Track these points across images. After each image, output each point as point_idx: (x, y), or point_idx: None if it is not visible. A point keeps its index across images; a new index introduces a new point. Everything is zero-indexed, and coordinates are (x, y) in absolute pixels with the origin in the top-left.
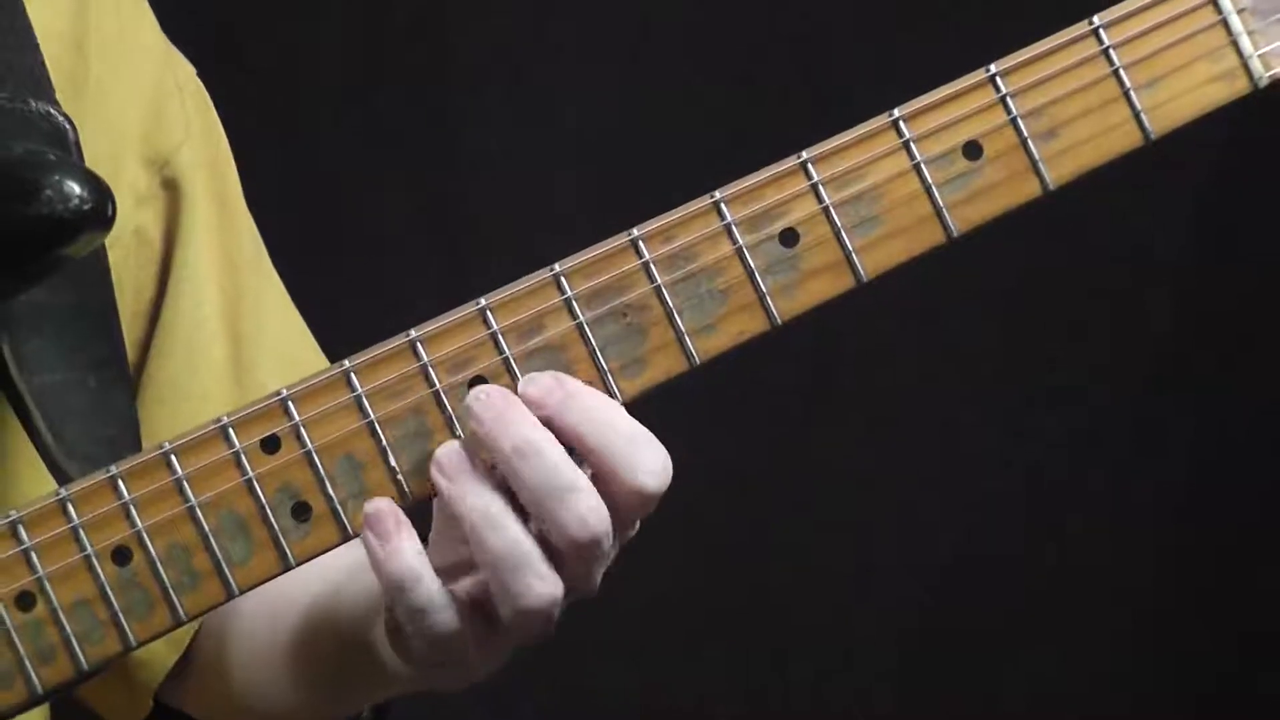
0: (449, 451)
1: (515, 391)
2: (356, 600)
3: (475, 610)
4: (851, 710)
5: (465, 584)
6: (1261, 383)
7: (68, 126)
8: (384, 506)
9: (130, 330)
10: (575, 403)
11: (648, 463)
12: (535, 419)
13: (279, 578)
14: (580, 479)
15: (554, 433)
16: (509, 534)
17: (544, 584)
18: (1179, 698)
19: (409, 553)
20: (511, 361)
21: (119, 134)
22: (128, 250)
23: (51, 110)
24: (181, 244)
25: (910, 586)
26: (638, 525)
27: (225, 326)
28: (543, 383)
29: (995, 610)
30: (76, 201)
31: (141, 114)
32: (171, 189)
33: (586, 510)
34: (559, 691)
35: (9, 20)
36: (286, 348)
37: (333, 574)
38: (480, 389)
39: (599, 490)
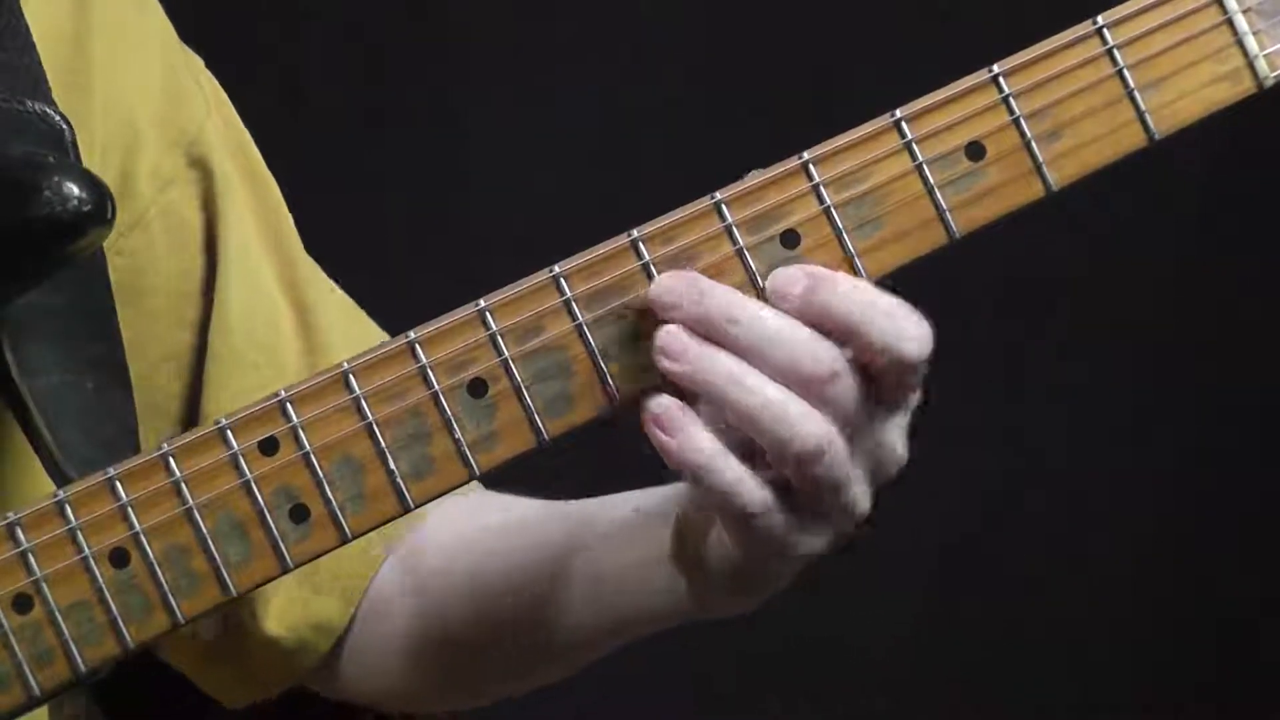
0: (668, 333)
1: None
2: (610, 530)
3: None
4: (851, 711)
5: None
6: (1262, 380)
7: (65, 126)
8: (666, 401)
9: (180, 311)
10: (826, 286)
11: (909, 330)
12: (727, 290)
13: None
14: (795, 325)
15: (812, 319)
16: (755, 386)
17: (812, 422)
18: (1180, 692)
19: (704, 437)
20: (510, 363)
21: (133, 120)
22: (157, 234)
23: (48, 110)
24: (223, 218)
25: (908, 584)
26: (913, 401)
27: (287, 296)
28: (790, 274)
29: (995, 609)
30: (75, 203)
31: (157, 98)
32: (200, 166)
33: (806, 351)
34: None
35: (4, 21)
36: (347, 317)
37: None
38: (658, 281)
39: (857, 360)
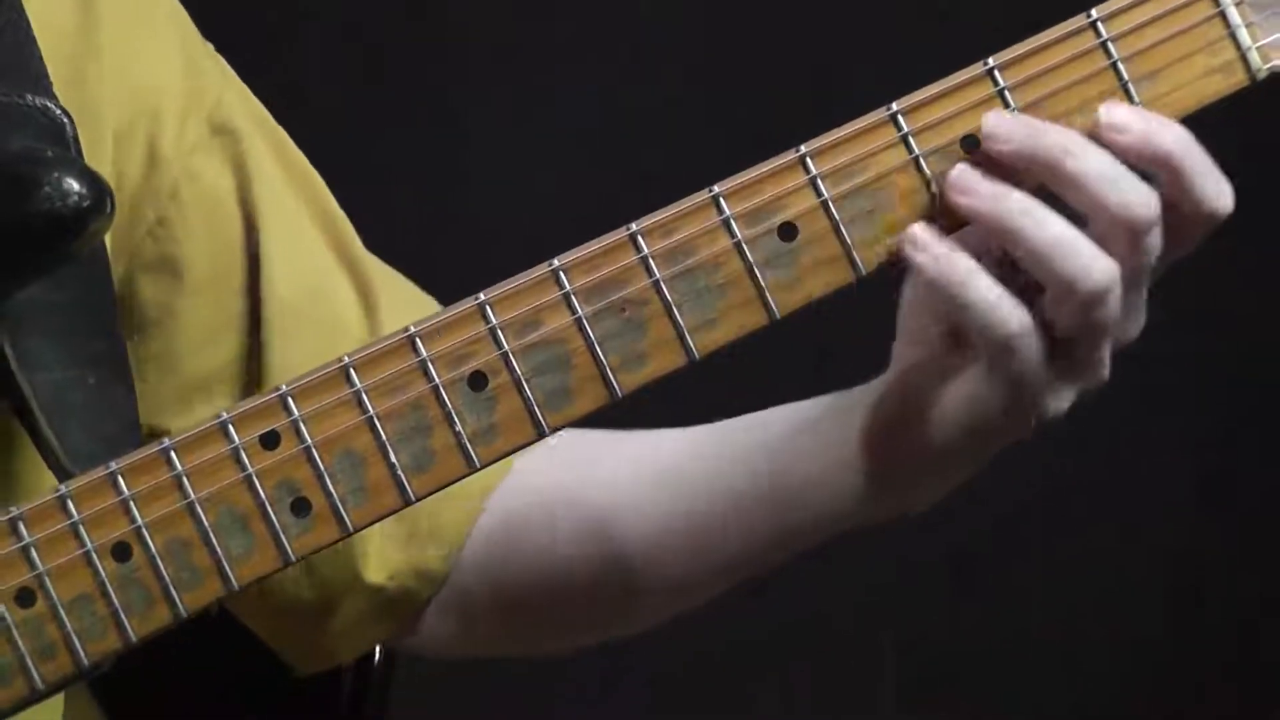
0: (960, 171)
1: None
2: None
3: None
4: (852, 712)
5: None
6: (1266, 378)
7: (65, 120)
8: (918, 226)
9: (226, 278)
10: (1160, 124)
11: (1225, 187)
12: (1060, 128)
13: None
14: (1128, 171)
15: (1136, 155)
16: (1053, 220)
17: (1103, 260)
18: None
19: (959, 252)
20: (510, 356)
21: (153, 96)
22: (190, 205)
23: (49, 104)
24: (255, 180)
25: (907, 584)
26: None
27: (335, 253)
28: (1128, 112)
29: (1000, 611)
30: (75, 198)
31: (176, 72)
32: (224, 131)
33: (1137, 193)
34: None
35: (5, 16)
36: (390, 274)
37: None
38: (994, 114)
39: (1166, 205)
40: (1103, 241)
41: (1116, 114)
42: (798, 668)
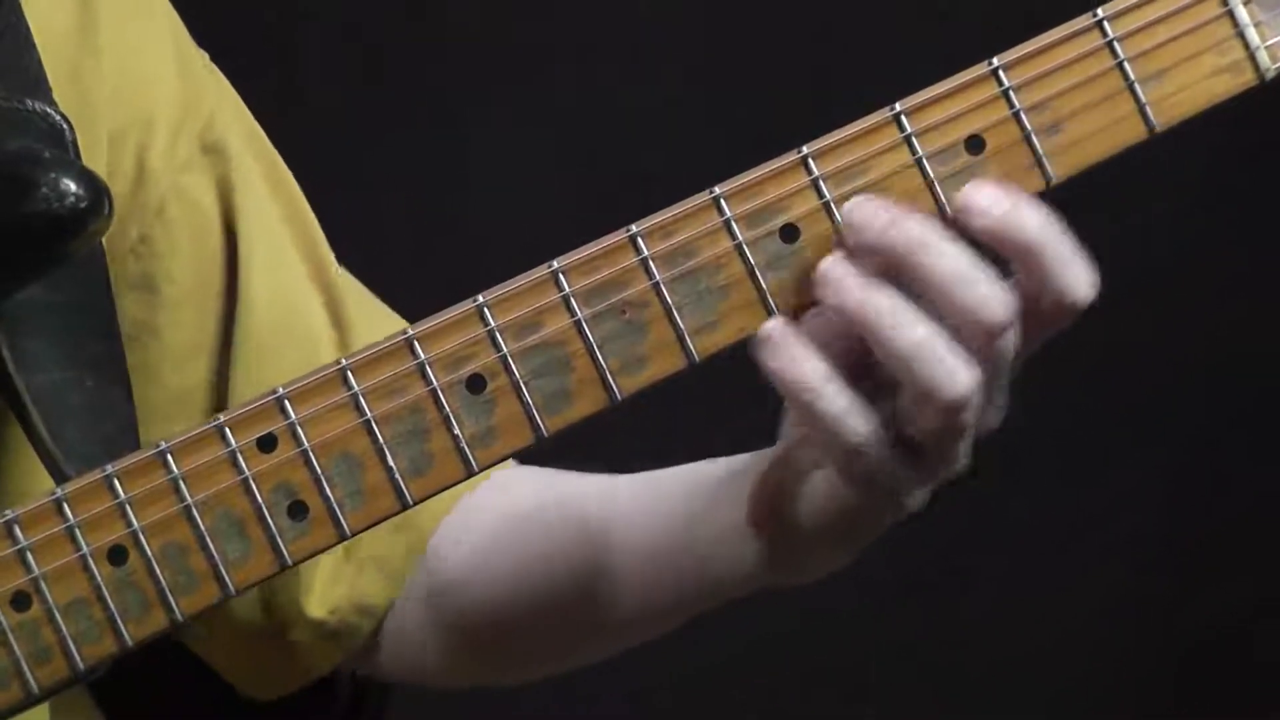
0: (830, 262)
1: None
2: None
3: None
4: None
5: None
6: (1259, 379)
7: (65, 126)
8: (771, 325)
9: (205, 300)
10: (1019, 210)
11: (1085, 274)
12: (913, 217)
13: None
14: (983, 269)
15: (995, 242)
16: (916, 324)
17: (965, 369)
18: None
19: (810, 358)
20: (509, 359)
21: (147, 107)
22: (176, 220)
23: (48, 110)
24: (241, 202)
25: (902, 589)
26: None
27: (314, 280)
28: (991, 193)
29: (982, 614)
30: (73, 199)
31: (170, 85)
32: (215, 151)
33: (991, 295)
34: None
35: (4, 20)
36: (366, 300)
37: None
38: (852, 202)
39: (1024, 298)
40: (958, 339)
41: (976, 197)
42: (781, 682)
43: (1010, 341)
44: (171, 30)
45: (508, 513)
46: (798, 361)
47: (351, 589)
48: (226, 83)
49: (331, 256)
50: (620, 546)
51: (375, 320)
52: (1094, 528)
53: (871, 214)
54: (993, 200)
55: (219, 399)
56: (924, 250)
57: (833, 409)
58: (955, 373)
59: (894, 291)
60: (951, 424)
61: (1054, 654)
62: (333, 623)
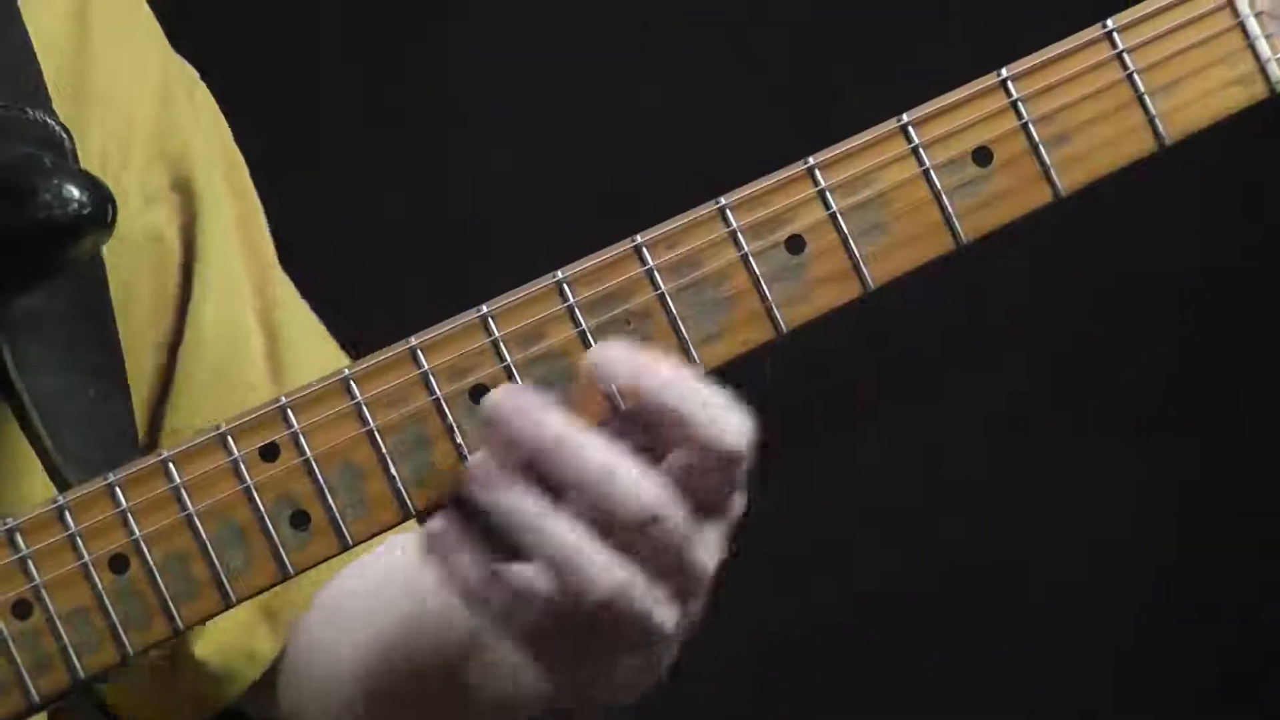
0: (476, 462)
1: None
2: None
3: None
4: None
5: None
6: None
7: (64, 135)
8: (435, 526)
9: (154, 331)
10: (650, 374)
11: (731, 421)
12: (550, 414)
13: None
14: (621, 458)
15: (628, 404)
16: (553, 530)
17: (606, 573)
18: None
19: (466, 563)
20: (513, 369)
21: (126, 132)
22: (140, 250)
23: (48, 120)
24: (204, 242)
25: (906, 588)
26: (737, 506)
27: (261, 321)
28: (615, 357)
29: (994, 617)
30: (75, 205)
31: (150, 113)
32: (184, 190)
33: (635, 485)
34: None
35: (5, 31)
36: (317, 347)
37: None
38: (489, 397)
39: (682, 460)
40: (605, 535)
41: (603, 358)
42: (780, 681)
43: (668, 530)
44: (159, 57)
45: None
46: (460, 564)
47: (242, 634)
48: (211, 106)
49: (282, 291)
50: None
51: (317, 360)
52: (1099, 531)
53: (508, 404)
54: (615, 363)
55: (151, 434)
56: (556, 451)
57: (469, 581)
58: (595, 579)
59: (524, 494)
60: (614, 618)
61: (1058, 656)
62: (213, 665)
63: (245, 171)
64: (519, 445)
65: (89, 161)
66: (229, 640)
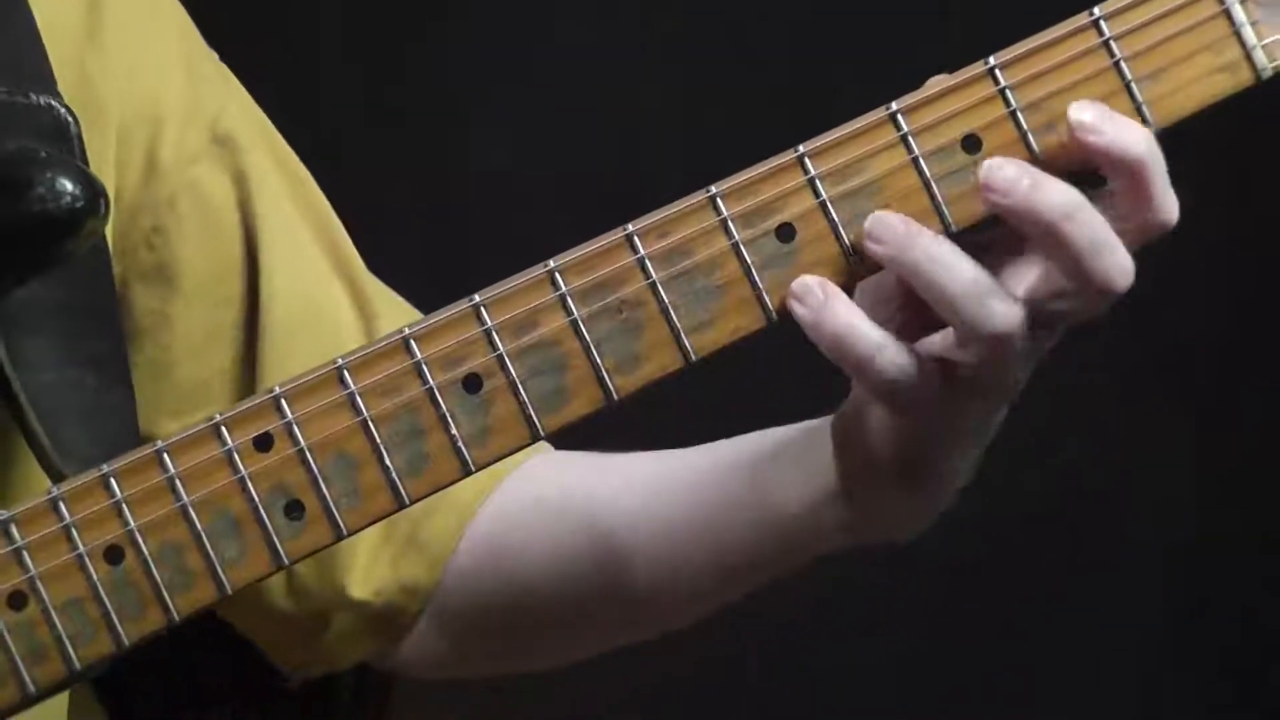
0: (882, 218)
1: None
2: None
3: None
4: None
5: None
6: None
7: (70, 119)
8: (809, 280)
9: (220, 288)
10: (1128, 128)
11: (1174, 198)
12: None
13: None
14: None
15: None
16: (966, 268)
17: (1009, 306)
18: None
19: (838, 306)
20: (505, 359)
21: (155, 101)
22: (182, 215)
23: (54, 103)
24: (257, 191)
25: (912, 598)
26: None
27: (332, 263)
28: (1092, 112)
29: (1000, 621)
30: (68, 198)
31: (179, 78)
32: (225, 142)
33: (997, 306)
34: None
35: (9, 13)
36: (392, 297)
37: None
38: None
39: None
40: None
41: (1086, 114)
42: (785, 684)
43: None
44: (178, 28)
45: (515, 505)
46: (822, 307)
47: (395, 570)
48: (236, 81)
49: (352, 248)
50: (640, 530)
51: (400, 311)
52: (1105, 529)
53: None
54: (1103, 119)
55: (243, 389)
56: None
57: (864, 347)
58: (998, 310)
59: (933, 238)
60: (996, 358)
61: (1063, 656)
62: (378, 604)
63: (278, 135)
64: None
65: (107, 141)
66: (386, 575)
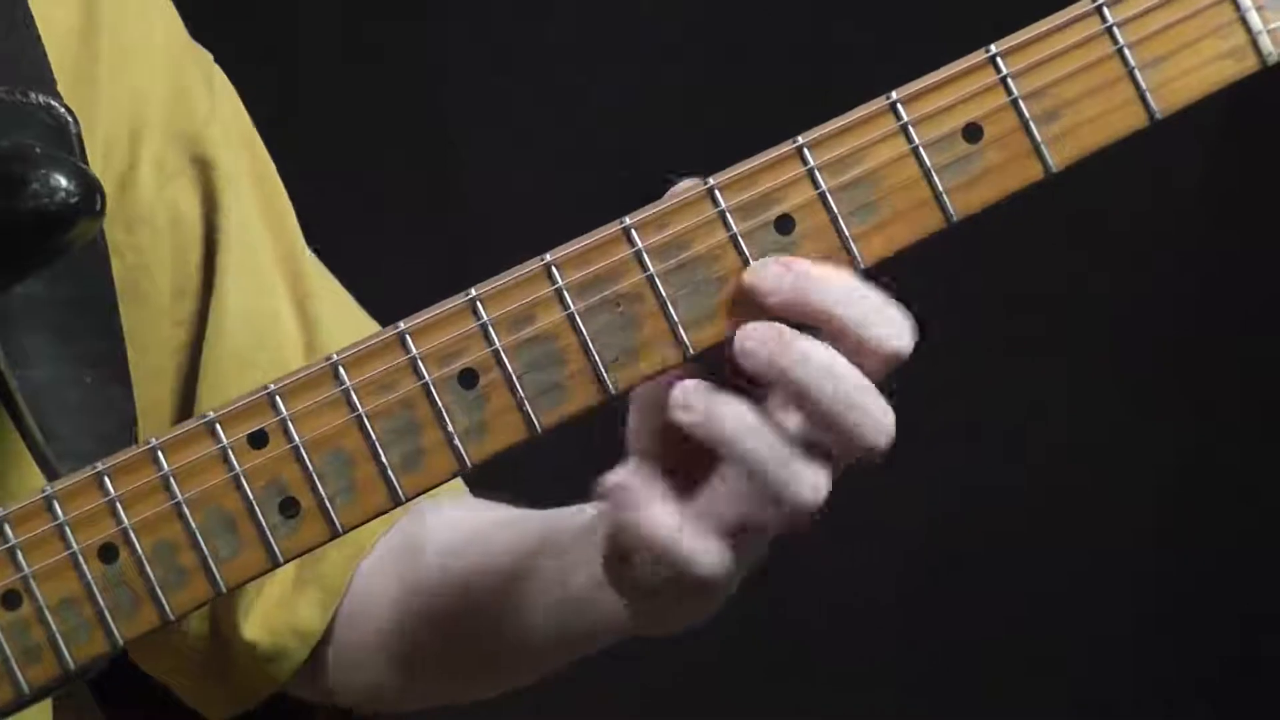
0: (687, 387)
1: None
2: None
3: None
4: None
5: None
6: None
7: (69, 118)
8: (622, 479)
9: (179, 308)
10: (813, 283)
11: (898, 326)
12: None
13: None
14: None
15: (795, 315)
16: (769, 435)
17: (816, 475)
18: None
19: (660, 514)
20: (502, 353)
21: (137, 115)
22: (158, 232)
23: (53, 102)
24: (226, 214)
25: (905, 586)
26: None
27: (289, 293)
28: (771, 270)
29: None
30: (63, 195)
31: (162, 93)
32: (202, 162)
33: (882, 412)
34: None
35: (9, 12)
36: (344, 310)
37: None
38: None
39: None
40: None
41: (762, 276)
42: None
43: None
44: (169, 39)
45: (396, 547)
46: (651, 518)
47: (287, 611)
48: (227, 87)
49: (309, 266)
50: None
51: (349, 333)
52: (1097, 525)
53: (761, 336)
54: (781, 276)
55: (185, 411)
56: (823, 374)
57: (680, 558)
58: (804, 477)
59: (741, 404)
60: (797, 517)
61: (1056, 647)
62: (265, 645)
63: (263, 150)
64: (772, 372)
65: (95, 147)
66: (277, 616)
